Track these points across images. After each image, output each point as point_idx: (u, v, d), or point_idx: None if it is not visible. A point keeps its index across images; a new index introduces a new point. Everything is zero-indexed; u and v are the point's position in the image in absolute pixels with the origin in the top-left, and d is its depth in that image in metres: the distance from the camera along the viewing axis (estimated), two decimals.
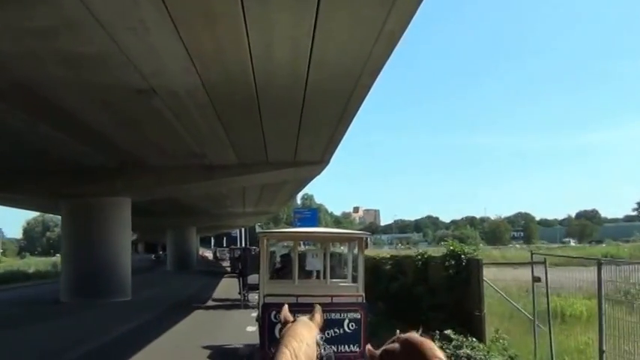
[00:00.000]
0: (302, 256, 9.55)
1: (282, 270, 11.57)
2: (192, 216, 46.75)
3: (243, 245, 55.84)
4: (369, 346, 2.69)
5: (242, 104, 13.62)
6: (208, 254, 78.89)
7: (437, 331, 9.25)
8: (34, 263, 55.63)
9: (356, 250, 8.48)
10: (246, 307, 17.88)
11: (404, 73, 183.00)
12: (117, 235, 21.48)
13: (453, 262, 10.20)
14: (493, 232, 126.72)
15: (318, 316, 2.69)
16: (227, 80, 11.60)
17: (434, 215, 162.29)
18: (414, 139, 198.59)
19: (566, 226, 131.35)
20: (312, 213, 37.26)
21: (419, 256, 12.88)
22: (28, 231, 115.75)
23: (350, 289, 8.23)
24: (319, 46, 9.48)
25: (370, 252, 28.98)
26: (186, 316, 16.96)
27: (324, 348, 2.67)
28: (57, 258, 43.00)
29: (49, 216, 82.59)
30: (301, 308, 3.15)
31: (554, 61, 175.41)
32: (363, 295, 7.83)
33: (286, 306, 2.78)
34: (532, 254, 9.68)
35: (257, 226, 60.68)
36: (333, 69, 10.89)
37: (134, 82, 11.00)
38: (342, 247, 11.36)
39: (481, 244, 11.47)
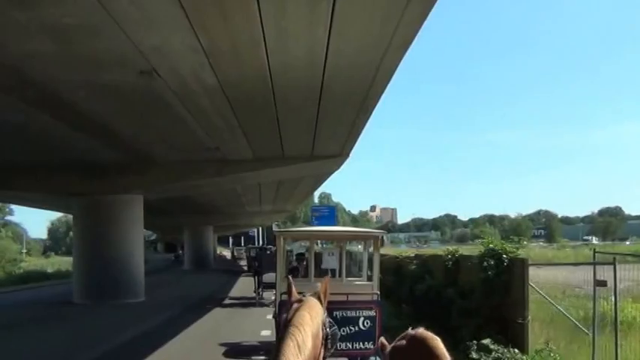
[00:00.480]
0: (318, 255, 9.57)
1: (297, 269, 11.53)
2: (209, 215, 46.41)
3: (261, 244, 55.50)
4: (382, 339, 2.71)
5: (255, 90, 12.68)
6: (226, 253, 79.24)
7: (474, 341, 8.19)
8: (56, 263, 55.83)
9: (371, 249, 8.39)
10: (262, 305, 18.14)
11: (420, 71, 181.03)
12: (129, 234, 20.75)
13: (492, 263, 9.02)
14: (514, 230, 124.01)
15: (323, 295, 2.64)
16: (237, 62, 10.70)
17: (452, 214, 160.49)
18: (432, 137, 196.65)
19: (588, 224, 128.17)
20: (330, 211, 36.04)
21: (449, 255, 11.75)
22: (52, 231, 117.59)
23: (365, 287, 8.23)
24: (339, 19, 8.49)
25: (391, 250, 28.03)
26: (198, 318, 16.15)
27: (329, 327, 2.62)
28: None
29: None
30: None
31: (570, 54, 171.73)
32: (378, 293, 7.87)
33: (293, 287, 2.73)
34: (595, 252, 8.42)
35: (274, 225, 59.98)
36: (356, 43, 9.88)
37: (133, 59, 10.06)
38: (359, 246, 11.72)
39: (525, 242, 9.93)
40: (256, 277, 20.11)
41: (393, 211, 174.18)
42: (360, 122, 16.78)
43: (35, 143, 17.18)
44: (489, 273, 8.96)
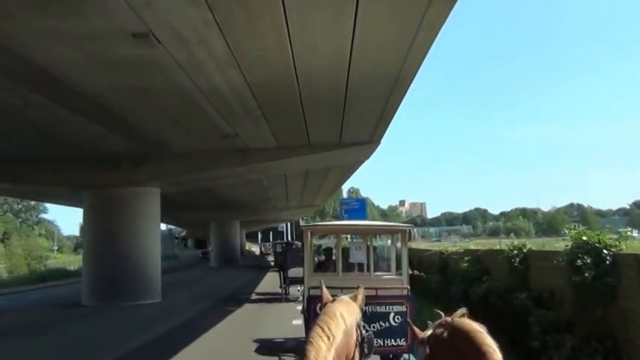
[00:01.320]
0: (345, 250, 9.66)
1: (324, 263, 11.43)
2: (236, 210, 45.26)
3: (288, 239, 54.42)
4: (415, 329, 2.75)
5: (275, 67, 11.09)
6: (255, 249, 78.81)
7: None
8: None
9: (399, 243, 8.23)
10: (287, 300, 18.08)
11: (451, 63, 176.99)
12: (144, 230, 19.06)
13: (588, 261, 6.75)
14: (549, 223, 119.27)
15: (360, 297, 2.73)
16: (250, 25, 8.77)
17: (482, 207, 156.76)
18: (460, 131, 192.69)
19: (623, 216, 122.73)
20: (360, 204, 33.92)
21: (515, 251, 9.50)
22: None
23: (394, 281, 8.03)
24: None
25: (423, 244, 25.89)
26: (217, 322, 14.38)
27: (365, 330, 2.57)
28: None
29: None
30: None
31: (600, 47, 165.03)
32: (409, 287, 7.61)
33: (324, 287, 2.86)
34: None
35: (301, 220, 58.44)
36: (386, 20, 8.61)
37: (121, 15, 8.18)
38: (388, 241, 11.08)
39: (630, 231, 7.41)
40: (281, 273, 19.83)
41: (422, 205, 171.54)
42: (392, 106, 14.89)
43: (41, 133, 15.70)
44: (586, 275, 6.69)
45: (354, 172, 28.93)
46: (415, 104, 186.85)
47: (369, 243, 9.31)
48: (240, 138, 17.61)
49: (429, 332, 2.46)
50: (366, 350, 2.50)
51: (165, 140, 17.41)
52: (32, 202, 64.76)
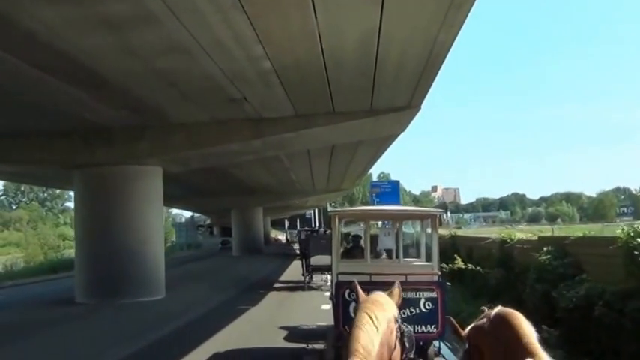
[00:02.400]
0: (374, 236, 9.80)
1: (352, 250, 11.10)
2: (259, 196, 43.22)
3: (317, 226, 52.33)
4: (452, 319, 2.70)
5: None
6: (281, 237, 77.41)
7: None
8: None
9: (429, 229, 8.02)
10: (310, 288, 18.51)
11: (486, 43, 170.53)
12: (144, 216, 16.42)
13: None
14: (595, 208, 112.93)
15: (397, 292, 2.66)
16: None
17: (520, 192, 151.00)
18: (494, 113, 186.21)
19: None
20: (393, 186, 30.50)
21: (638, 238, 6.30)
22: None
23: (424, 267, 7.98)
24: None
25: (450, 232, 22.95)
26: (226, 324, 11.86)
27: (406, 325, 2.64)
28: None
29: None
30: (375, 287, 2.93)
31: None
32: (439, 273, 7.47)
33: (356, 282, 2.92)
34: None
35: (329, 206, 55.95)
36: None
37: None
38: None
39: None
40: (304, 260, 19.70)
41: (456, 191, 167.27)
42: (437, 57, 11.75)
43: (20, 103, 13.28)
44: None
45: (386, 149, 25.74)
46: (447, 83, 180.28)
47: (397, 229, 9.31)
48: (250, 104, 14.75)
49: (471, 325, 2.42)
50: (407, 344, 2.50)
51: (161, 108, 14.68)
52: (57, 191, 64.13)
